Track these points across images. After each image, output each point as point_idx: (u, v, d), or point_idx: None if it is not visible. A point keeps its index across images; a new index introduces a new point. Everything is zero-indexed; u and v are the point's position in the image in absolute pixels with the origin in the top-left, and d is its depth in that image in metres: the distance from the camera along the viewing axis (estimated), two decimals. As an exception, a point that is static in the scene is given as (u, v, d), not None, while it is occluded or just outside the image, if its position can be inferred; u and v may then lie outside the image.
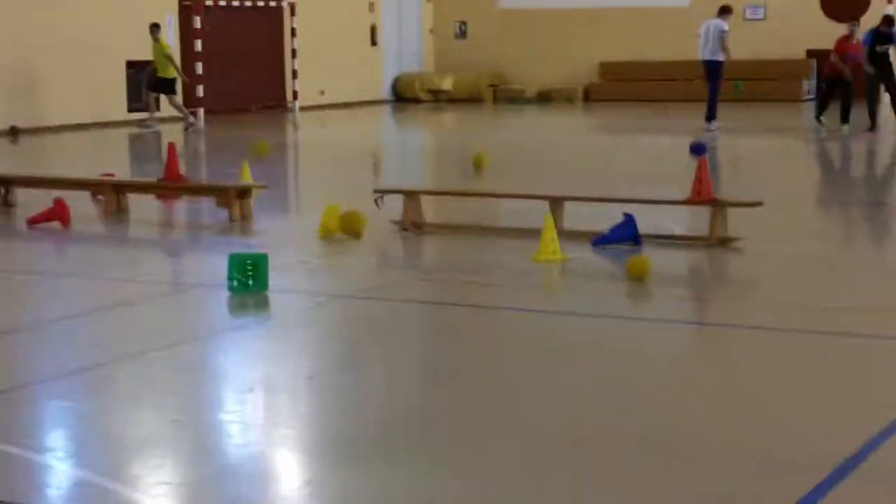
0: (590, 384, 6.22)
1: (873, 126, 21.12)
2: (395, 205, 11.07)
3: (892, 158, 18.42)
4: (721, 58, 21.20)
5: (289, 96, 28.94)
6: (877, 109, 21.55)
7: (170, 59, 23.08)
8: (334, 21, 30.14)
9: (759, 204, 10.29)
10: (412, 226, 10.89)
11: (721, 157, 17.76)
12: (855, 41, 21.15)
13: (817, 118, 21.53)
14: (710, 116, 21.56)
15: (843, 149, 19.17)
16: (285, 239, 10.97)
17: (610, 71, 31.94)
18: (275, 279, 8.36)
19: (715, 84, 21.41)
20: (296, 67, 28.65)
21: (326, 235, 10.50)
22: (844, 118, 20.90)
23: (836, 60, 20.97)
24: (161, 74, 23.16)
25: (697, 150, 10.62)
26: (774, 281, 8.96)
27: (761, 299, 8.32)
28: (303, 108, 28.47)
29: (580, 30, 31.96)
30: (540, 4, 32.50)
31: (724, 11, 21.60)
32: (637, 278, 8.63)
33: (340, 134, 23.49)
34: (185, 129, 23.14)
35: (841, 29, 21.83)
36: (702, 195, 10.17)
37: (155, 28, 23.16)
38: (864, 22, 21.89)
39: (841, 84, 21.01)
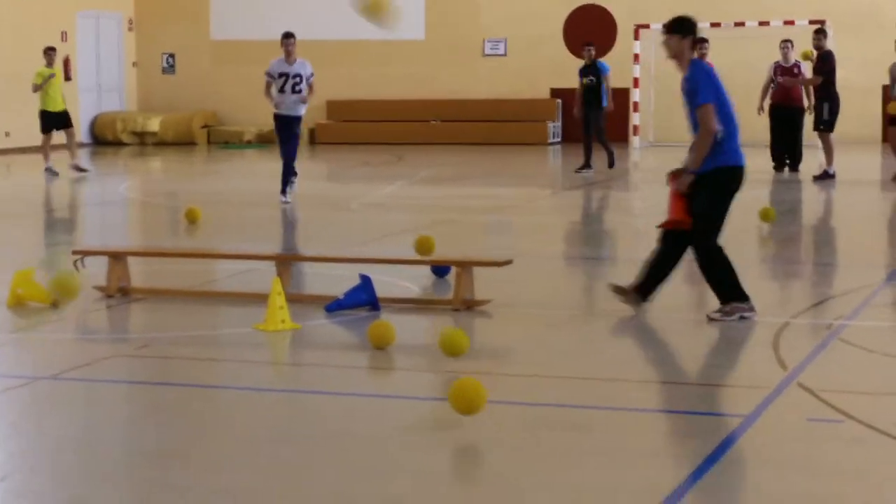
0: (329, 471, 6.20)
1: (586, 165, 22.68)
2: (97, 268, 10.84)
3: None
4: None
5: (-34, 138, 28.10)
6: (591, 146, 22.88)
7: None
8: (20, 53, 29.37)
9: (507, 262, 10.50)
10: (118, 292, 10.69)
11: (472, 209, 18.09)
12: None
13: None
14: None
15: (601, 199, 19.81)
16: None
17: (338, 110, 32.11)
18: (-44, 360, 8.06)
19: None
20: (-25, 105, 27.84)
21: (17, 305, 10.21)
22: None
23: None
24: None
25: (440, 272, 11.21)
26: (526, 349, 9.14)
27: (512, 369, 8.47)
28: (-16, 153, 27.65)
29: (304, 64, 32.03)
30: (258, 35, 32.34)
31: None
32: (379, 347, 8.68)
33: (28, 183, 22.83)
34: None
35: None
36: (446, 254, 10.32)
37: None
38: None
39: None
